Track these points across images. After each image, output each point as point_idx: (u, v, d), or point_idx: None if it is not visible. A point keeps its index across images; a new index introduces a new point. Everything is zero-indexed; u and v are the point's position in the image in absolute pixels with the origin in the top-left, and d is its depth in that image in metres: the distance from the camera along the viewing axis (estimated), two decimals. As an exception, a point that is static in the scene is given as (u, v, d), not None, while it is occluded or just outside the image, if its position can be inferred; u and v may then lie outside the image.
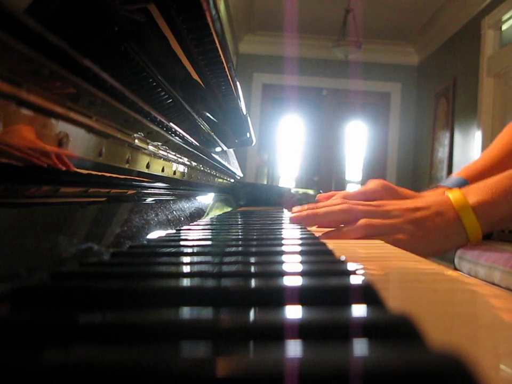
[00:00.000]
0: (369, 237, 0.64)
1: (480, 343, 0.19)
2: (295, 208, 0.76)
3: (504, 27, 3.70)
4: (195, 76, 0.66)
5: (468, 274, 0.86)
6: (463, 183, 0.83)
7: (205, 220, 0.92)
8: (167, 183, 0.70)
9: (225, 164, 1.22)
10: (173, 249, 0.43)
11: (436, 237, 0.65)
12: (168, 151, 0.63)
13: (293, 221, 0.72)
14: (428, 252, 0.65)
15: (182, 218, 0.73)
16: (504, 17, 3.57)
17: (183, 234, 0.60)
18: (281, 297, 0.23)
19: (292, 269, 0.30)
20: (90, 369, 0.13)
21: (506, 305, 0.26)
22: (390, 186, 0.81)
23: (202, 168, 0.95)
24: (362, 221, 0.65)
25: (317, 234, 0.60)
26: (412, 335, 0.17)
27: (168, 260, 0.38)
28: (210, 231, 0.67)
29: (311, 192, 2.07)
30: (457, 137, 4.16)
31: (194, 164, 0.84)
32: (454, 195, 0.67)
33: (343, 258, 0.35)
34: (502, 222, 0.68)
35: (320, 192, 0.93)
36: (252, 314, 0.20)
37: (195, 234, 0.61)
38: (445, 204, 0.67)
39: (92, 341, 0.17)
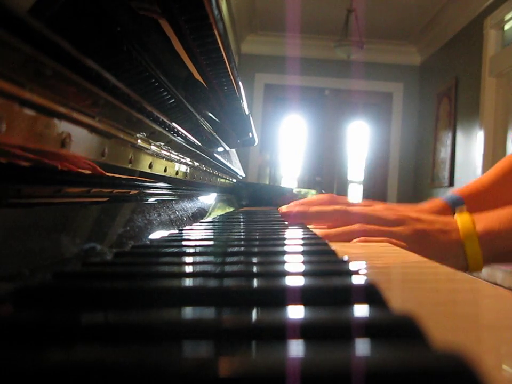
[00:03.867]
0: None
1: (482, 343, 0.19)
2: (289, 206, 0.75)
3: (506, 27, 3.69)
4: (197, 76, 0.66)
5: (470, 274, 0.87)
6: (460, 202, 0.83)
7: (207, 220, 0.92)
8: (169, 183, 0.70)
9: (228, 164, 1.22)
10: (175, 249, 0.43)
11: (435, 253, 0.61)
12: (170, 151, 0.63)
13: (283, 215, 0.72)
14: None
15: (185, 218, 0.73)
16: (507, 17, 3.56)
17: (186, 234, 0.60)
18: (284, 297, 0.23)
19: (294, 269, 0.30)
20: (93, 369, 0.13)
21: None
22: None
23: (204, 168, 0.95)
24: (357, 225, 0.62)
25: (320, 234, 0.60)
26: (415, 334, 0.17)
27: (170, 260, 0.38)
28: (212, 231, 0.68)
29: (313, 192, 2.07)
30: (460, 137, 4.15)
31: (196, 164, 0.84)
32: (462, 219, 0.64)
33: (345, 258, 0.35)
34: (506, 255, 0.65)
35: (323, 192, 0.92)
36: (254, 314, 0.20)
37: (197, 235, 0.61)
38: (451, 224, 0.64)
39: (95, 340, 0.17)
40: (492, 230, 0.63)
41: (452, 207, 0.82)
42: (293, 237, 0.55)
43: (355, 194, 5.44)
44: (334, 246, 0.44)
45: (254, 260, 0.38)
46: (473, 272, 0.64)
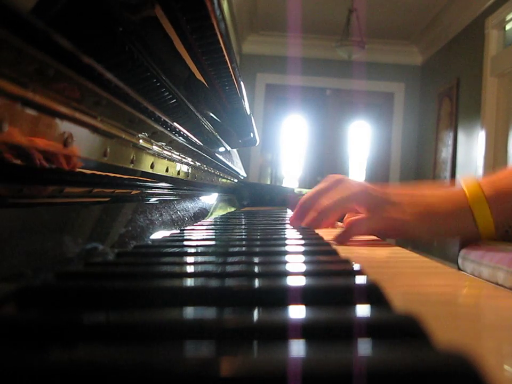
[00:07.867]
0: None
1: (484, 343, 0.19)
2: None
3: (507, 27, 3.68)
4: (199, 76, 0.66)
5: (472, 274, 0.86)
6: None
7: (209, 219, 0.92)
8: (171, 183, 0.70)
9: (229, 164, 1.22)
10: (177, 249, 0.43)
11: (439, 226, 0.58)
12: (172, 151, 0.63)
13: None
14: (430, 233, 0.59)
15: (186, 218, 0.73)
16: (508, 17, 3.55)
17: (187, 234, 0.60)
18: (286, 297, 0.22)
19: (296, 269, 0.30)
20: (95, 369, 0.13)
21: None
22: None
23: (206, 168, 0.95)
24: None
25: (322, 234, 0.60)
26: (418, 334, 0.17)
27: (172, 259, 0.38)
28: (214, 231, 0.68)
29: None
30: (461, 137, 4.14)
31: (198, 164, 0.84)
32: (467, 184, 0.59)
33: (347, 258, 0.35)
34: None
35: None
36: (256, 314, 0.20)
37: (199, 234, 0.61)
38: (457, 194, 0.59)
39: (97, 340, 0.17)
40: (502, 191, 0.57)
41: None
42: (295, 237, 0.55)
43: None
44: (336, 246, 0.44)
45: (256, 260, 0.38)
46: (486, 239, 0.59)
